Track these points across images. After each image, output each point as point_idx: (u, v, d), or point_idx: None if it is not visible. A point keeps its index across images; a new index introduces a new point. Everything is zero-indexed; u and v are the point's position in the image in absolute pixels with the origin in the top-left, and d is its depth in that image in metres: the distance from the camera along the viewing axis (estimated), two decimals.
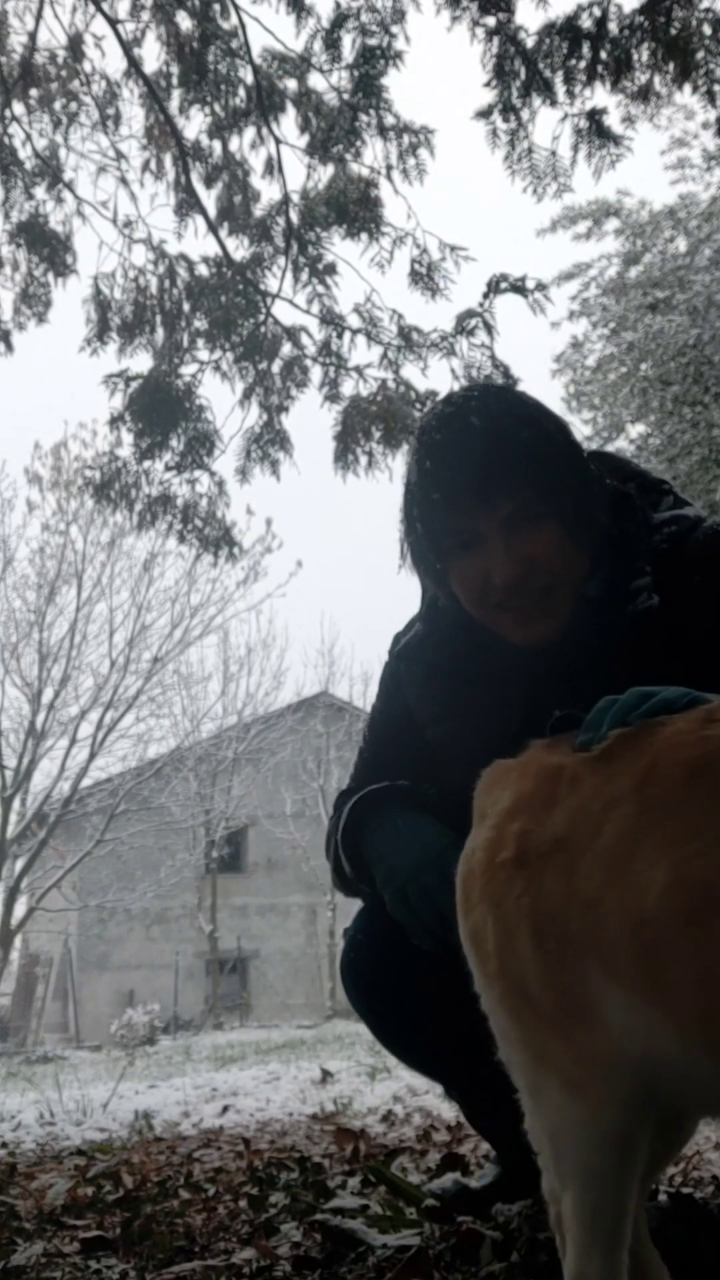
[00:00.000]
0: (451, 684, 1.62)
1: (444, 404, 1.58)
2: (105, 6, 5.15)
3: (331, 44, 4.88)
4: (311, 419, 5.40)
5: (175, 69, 5.22)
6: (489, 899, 1.14)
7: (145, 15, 5.16)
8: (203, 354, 5.30)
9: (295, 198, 5.31)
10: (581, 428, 14.30)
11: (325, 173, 5.25)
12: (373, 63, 4.86)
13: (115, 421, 5.22)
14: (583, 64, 4.38)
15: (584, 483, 1.52)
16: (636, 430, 14.13)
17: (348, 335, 5.25)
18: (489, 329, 4.84)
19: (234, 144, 5.37)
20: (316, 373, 5.33)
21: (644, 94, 4.40)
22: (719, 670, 1.43)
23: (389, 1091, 4.29)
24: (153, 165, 5.43)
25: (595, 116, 4.48)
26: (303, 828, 21.58)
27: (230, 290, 5.25)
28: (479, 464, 1.47)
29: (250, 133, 5.32)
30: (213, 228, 5.35)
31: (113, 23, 5.14)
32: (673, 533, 1.53)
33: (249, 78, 5.17)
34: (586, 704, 1.44)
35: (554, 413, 1.56)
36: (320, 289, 5.28)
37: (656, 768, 1.10)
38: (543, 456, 1.48)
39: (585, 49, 4.35)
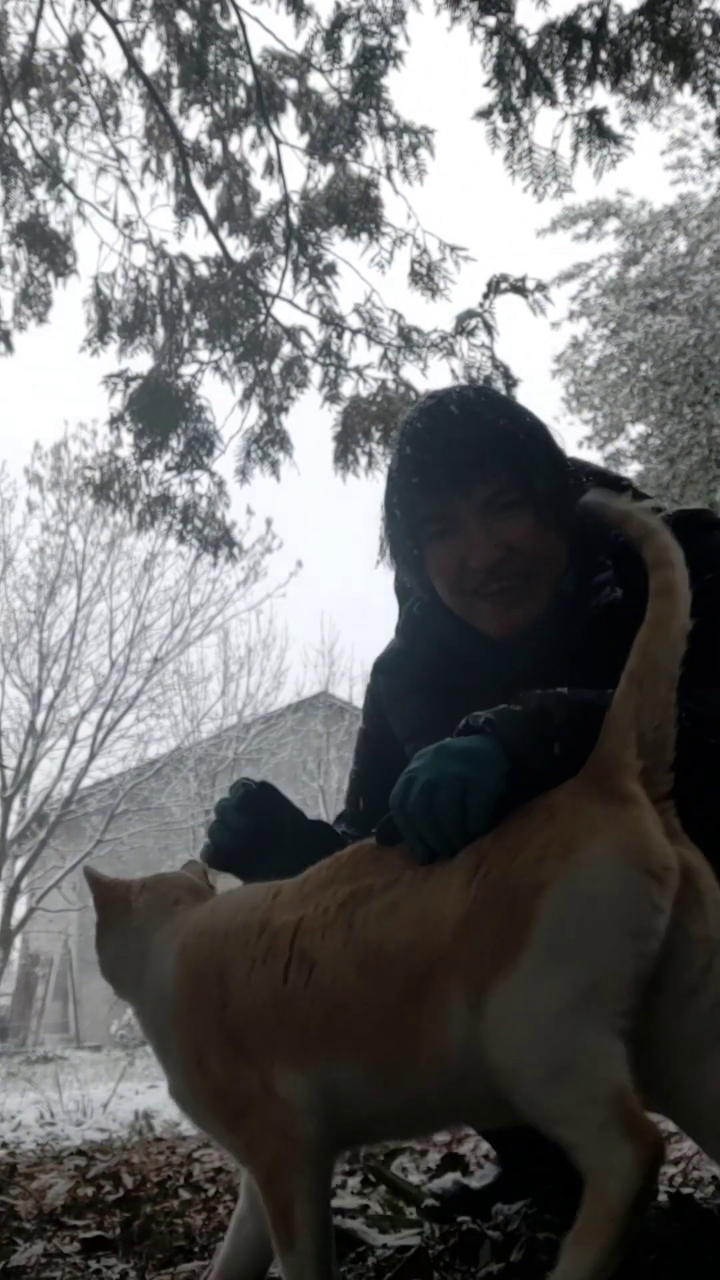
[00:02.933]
0: (427, 697, 1.63)
1: (427, 398, 1.61)
2: (105, 6, 5.15)
3: (331, 44, 4.89)
4: (311, 419, 5.41)
5: (175, 69, 5.22)
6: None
7: (145, 15, 5.17)
8: (203, 354, 5.31)
9: (295, 198, 5.32)
10: (581, 428, 14.31)
11: (325, 173, 5.26)
12: (373, 63, 4.87)
13: (115, 421, 5.22)
14: (583, 64, 4.38)
15: (563, 475, 1.54)
16: (636, 430, 14.13)
17: (348, 335, 5.26)
18: (489, 329, 4.84)
19: (234, 144, 5.38)
20: (316, 373, 5.33)
21: (644, 94, 4.40)
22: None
23: None
24: (153, 165, 5.44)
25: (595, 116, 4.49)
26: None
27: (230, 290, 5.25)
28: (457, 449, 1.49)
29: (250, 133, 5.33)
30: (213, 228, 5.35)
31: (113, 23, 5.14)
32: None
33: (249, 78, 5.17)
34: None
35: (531, 412, 1.58)
36: (320, 289, 5.29)
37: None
38: (520, 445, 1.50)
39: (585, 49, 4.35)
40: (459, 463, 1.49)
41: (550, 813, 1.17)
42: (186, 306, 5.34)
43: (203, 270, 5.36)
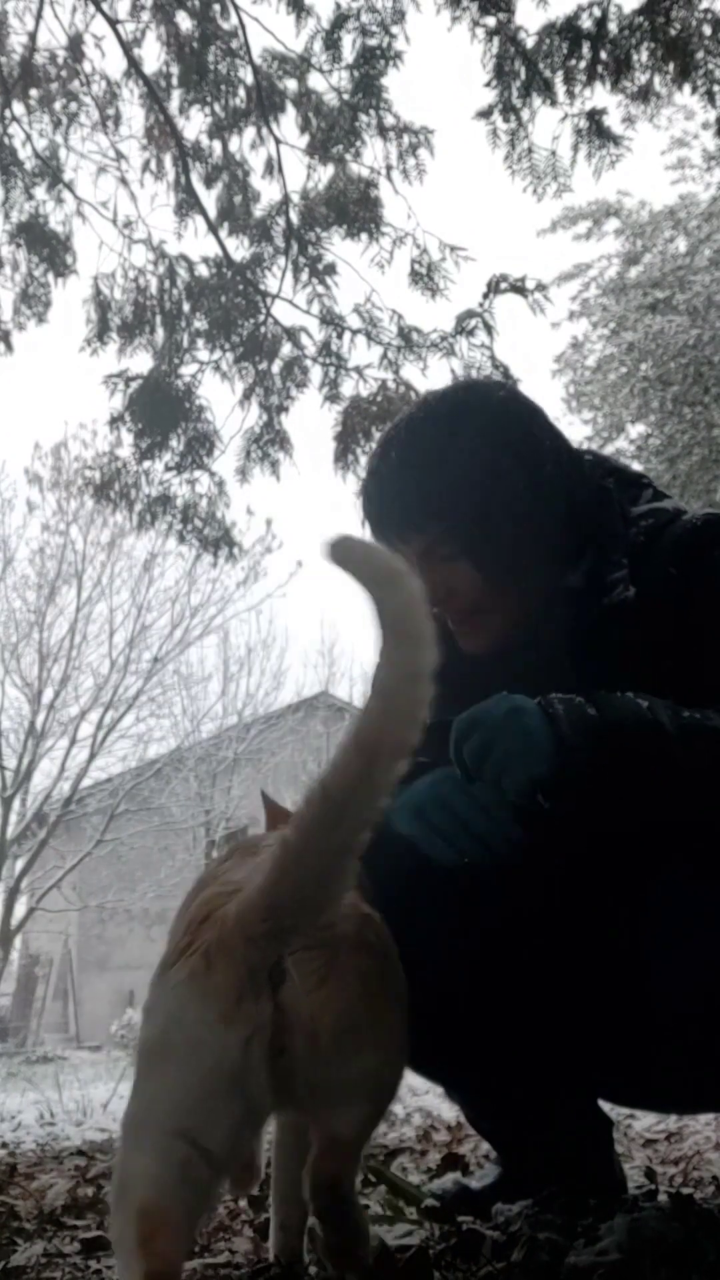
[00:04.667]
0: (438, 689, 1.63)
1: (393, 423, 1.60)
2: (105, 6, 5.15)
3: (331, 44, 4.89)
4: (311, 419, 5.41)
5: (175, 69, 5.22)
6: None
7: (145, 15, 5.17)
8: (203, 354, 5.31)
9: (295, 198, 5.32)
10: (581, 428, 14.32)
11: (325, 173, 5.26)
12: (373, 63, 4.87)
13: (115, 421, 5.23)
14: (583, 64, 4.38)
15: (511, 515, 1.49)
16: (636, 430, 14.14)
17: (348, 335, 5.26)
18: (489, 329, 4.84)
19: (234, 144, 5.38)
20: (316, 373, 5.33)
21: (644, 94, 4.40)
22: (688, 663, 1.43)
23: None
24: (153, 165, 5.43)
25: (595, 116, 4.49)
26: None
27: (230, 290, 5.25)
28: (392, 503, 1.52)
29: (250, 133, 5.33)
30: (213, 228, 5.35)
31: (113, 23, 5.14)
32: (649, 525, 1.54)
33: (249, 78, 5.17)
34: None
35: (509, 423, 1.53)
36: (320, 289, 5.29)
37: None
38: (454, 498, 1.48)
39: (585, 49, 4.35)
40: (394, 517, 1.52)
41: None
42: (186, 306, 5.34)
43: (203, 270, 5.36)
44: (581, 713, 1.32)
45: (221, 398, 5.34)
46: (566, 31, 4.35)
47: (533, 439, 1.54)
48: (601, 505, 1.56)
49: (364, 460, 5.07)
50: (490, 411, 1.55)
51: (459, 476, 1.49)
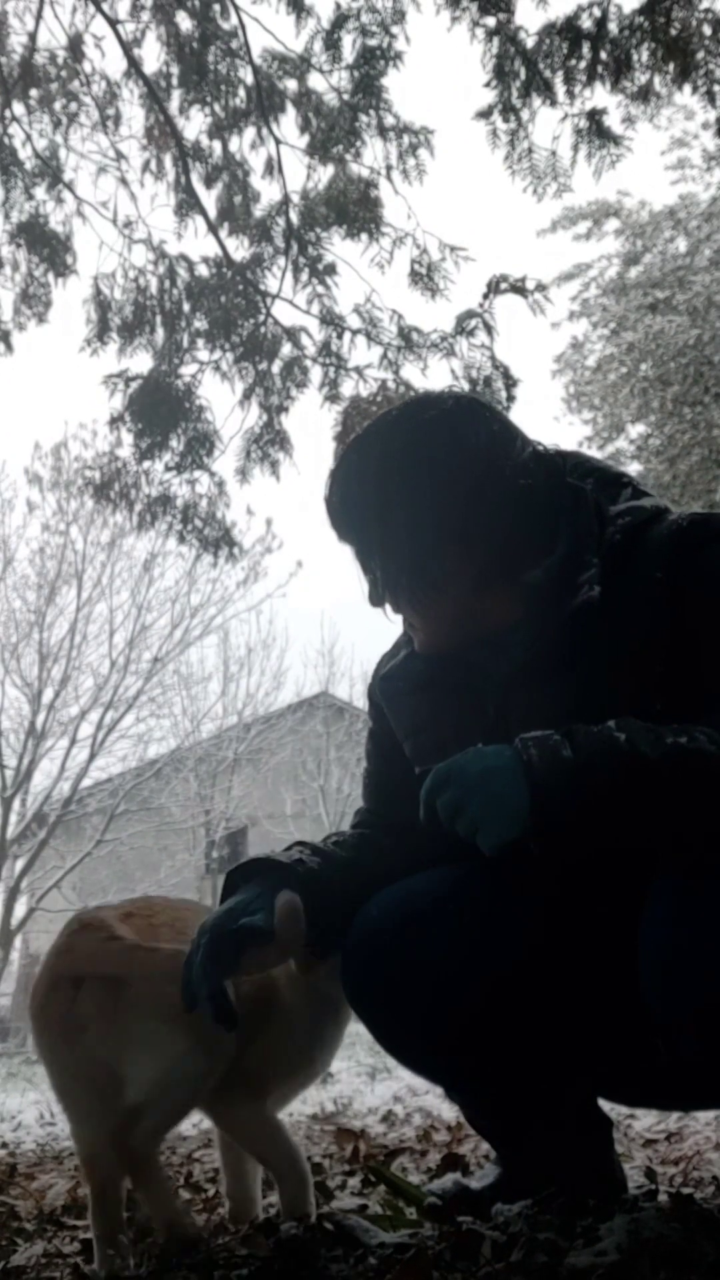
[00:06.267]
0: (428, 696, 1.64)
1: (352, 441, 1.66)
2: (105, 6, 5.15)
3: (331, 44, 4.89)
4: (311, 419, 5.41)
5: (175, 69, 5.22)
6: None
7: (145, 15, 5.17)
8: (203, 354, 5.30)
9: (295, 198, 5.32)
10: (581, 428, 14.31)
11: (325, 173, 5.26)
12: (373, 63, 4.87)
13: (115, 421, 5.22)
14: (583, 64, 4.38)
15: (457, 510, 1.52)
16: (636, 430, 14.14)
17: (348, 336, 5.26)
18: (489, 329, 4.84)
19: (234, 144, 5.38)
20: (316, 373, 5.33)
21: (644, 94, 4.40)
22: (683, 667, 1.43)
23: (389, 1092, 4.29)
24: (153, 165, 5.43)
25: (595, 116, 4.49)
26: (303, 828, 21.51)
27: (230, 290, 5.25)
28: (337, 522, 1.61)
29: (250, 133, 5.33)
30: (213, 228, 5.35)
31: (113, 23, 5.14)
32: (626, 524, 1.53)
33: (249, 78, 5.17)
34: (552, 706, 1.45)
35: (441, 432, 1.55)
36: (320, 289, 5.29)
37: None
38: (377, 543, 1.57)
39: (585, 49, 4.35)
40: (341, 533, 1.62)
41: None
42: (186, 306, 5.34)
43: (203, 270, 5.36)
44: (556, 756, 1.33)
45: (221, 398, 5.35)
46: (566, 31, 4.35)
47: (472, 446, 1.54)
48: (576, 505, 1.56)
49: None
50: (423, 422, 1.57)
51: (388, 487, 1.55)
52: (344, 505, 1.60)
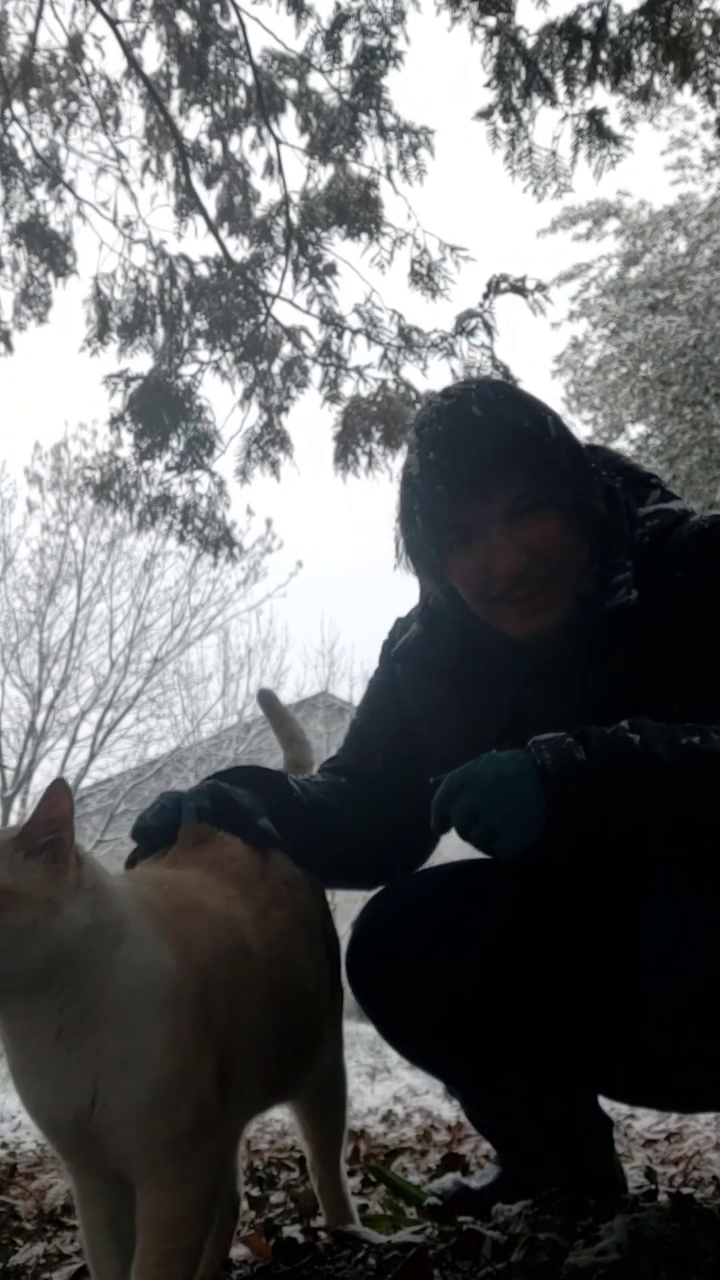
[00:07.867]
0: (445, 682, 1.62)
1: (442, 397, 1.57)
2: (105, 6, 5.15)
3: (331, 44, 4.89)
4: (311, 419, 5.41)
5: (175, 69, 5.22)
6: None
7: (145, 15, 5.16)
8: (203, 354, 5.30)
9: (295, 198, 5.31)
10: (581, 428, 14.29)
11: (325, 173, 5.26)
12: (373, 63, 4.87)
13: (115, 421, 5.22)
14: (583, 64, 4.38)
15: (584, 473, 1.52)
16: (636, 430, 14.13)
17: (348, 335, 5.25)
18: (489, 329, 4.84)
19: (234, 144, 5.37)
20: (316, 373, 5.33)
21: (644, 94, 4.40)
22: (697, 667, 1.43)
23: (389, 1091, 4.29)
24: (153, 165, 5.43)
25: (595, 116, 4.49)
26: None
27: (230, 290, 5.25)
28: (480, 454, 1.47)
29: (250, 133, 5.32)
30: (213, 228, 5.35)
31: (113, 23, 5.14)
32: (655, 526, 1.53)
33: (249, 78, 5.17)
34: (568, 704, 1.45)
35: (550, 407, 1.56)
36: (320, 289, 5.28)
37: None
38: (543, 445, 1.48)
39: (585, 49, 4.35)
40: (482, 469, 1.47)
41: None
42: (186, 306, 5.33)
43: (203, 270, 5.35)
44: (570, 760, 1.32)
45: (221, 398, 5.34)
46: (566, 31, 4.35)
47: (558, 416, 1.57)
48: (610, 506, 1.55)
49: (364, 460, 5.07)
50: (530, 394, 1.58)
51: (548, 425, 1.50)
52: (493, 442, 1.47)
